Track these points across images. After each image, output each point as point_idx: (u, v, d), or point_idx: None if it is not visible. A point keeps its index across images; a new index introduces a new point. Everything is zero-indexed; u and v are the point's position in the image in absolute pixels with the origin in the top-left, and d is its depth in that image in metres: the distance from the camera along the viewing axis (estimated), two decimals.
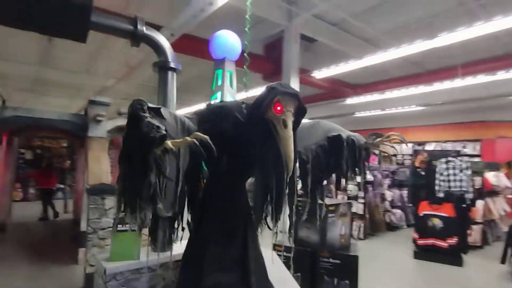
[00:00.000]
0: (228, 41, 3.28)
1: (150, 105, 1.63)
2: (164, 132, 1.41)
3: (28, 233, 6.91)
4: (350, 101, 10.69)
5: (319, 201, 2.34)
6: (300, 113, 1.77)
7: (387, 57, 6.56)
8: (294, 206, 2.31)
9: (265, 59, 8.38)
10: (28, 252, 5.45)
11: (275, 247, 4.05)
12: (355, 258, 3.64)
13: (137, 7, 6.21)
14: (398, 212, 8.10)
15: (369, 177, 7.34)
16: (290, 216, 2.33)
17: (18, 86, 11.89)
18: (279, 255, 4.02)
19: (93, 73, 10.36)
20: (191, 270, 2.07)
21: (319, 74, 7.61)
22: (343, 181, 2.38)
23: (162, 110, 1.67)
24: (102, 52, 8.58)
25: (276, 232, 2.33)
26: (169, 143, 1.33)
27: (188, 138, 1.38)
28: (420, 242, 5.53)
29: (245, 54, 3.48)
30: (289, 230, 2.34)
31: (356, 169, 2.22)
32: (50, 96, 13.44)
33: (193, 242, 2.14)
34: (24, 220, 7.95)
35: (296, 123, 1.77)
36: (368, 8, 6.92)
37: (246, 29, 3.53)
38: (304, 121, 1.99)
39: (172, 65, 3.77)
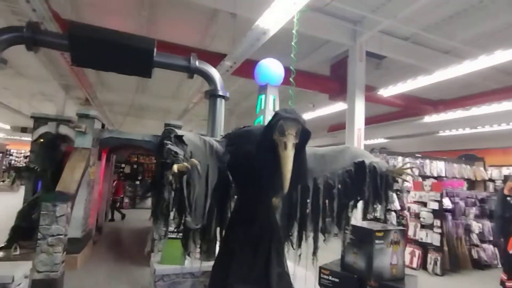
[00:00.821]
0: (270, 69, 3.52)
1: (179, 132, 1.94)
2: (178, 158, 1.67)
3: (118, 235, 8.09)
4: (429, 119, 9.70)
5: (345, 226, 2.32)
6: (303, 136, 1.89)
7: (468, 68, 5.89)
8: (319, 229, 2.33)
9: (331, 79, 8.35)
10: (114, 252, 6.40)
11: (322, 270, 3.98)
12: None
13: (210, 40, 7.07)
14: (489, 248, 6.91)
15: (448, 204, 6.51)
16: (314, 239, 2.35)
17: (120, 111, 14.33)
18: (325, 279, 3.92)
19: (178, 98, 11.83)
20: (218, 283, 2.23)
21: (386, 91, 7.19)
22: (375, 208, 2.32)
23: (187, 136, 1.95)
24: (185, 81, 9.81)
25: (300, 254, 2.38)
26: (175, 166, 1.57)
27: (185, 163, 1.60)
28: (509, 284, 4.64)
29: (291, 79, 3.65)
30: (313, 253, 2.36)
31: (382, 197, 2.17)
32: (144, 119, 15.75)
33: (220, 259, 2.29)
34: (117, 224, 9.34)
35: (301, 145, 1.89)
36: (444, 19, 6.42)
37: (292, 55, 3.71)
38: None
39: (220, 92, 4.19)
